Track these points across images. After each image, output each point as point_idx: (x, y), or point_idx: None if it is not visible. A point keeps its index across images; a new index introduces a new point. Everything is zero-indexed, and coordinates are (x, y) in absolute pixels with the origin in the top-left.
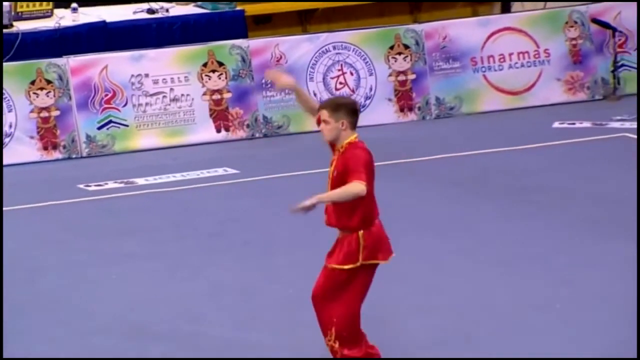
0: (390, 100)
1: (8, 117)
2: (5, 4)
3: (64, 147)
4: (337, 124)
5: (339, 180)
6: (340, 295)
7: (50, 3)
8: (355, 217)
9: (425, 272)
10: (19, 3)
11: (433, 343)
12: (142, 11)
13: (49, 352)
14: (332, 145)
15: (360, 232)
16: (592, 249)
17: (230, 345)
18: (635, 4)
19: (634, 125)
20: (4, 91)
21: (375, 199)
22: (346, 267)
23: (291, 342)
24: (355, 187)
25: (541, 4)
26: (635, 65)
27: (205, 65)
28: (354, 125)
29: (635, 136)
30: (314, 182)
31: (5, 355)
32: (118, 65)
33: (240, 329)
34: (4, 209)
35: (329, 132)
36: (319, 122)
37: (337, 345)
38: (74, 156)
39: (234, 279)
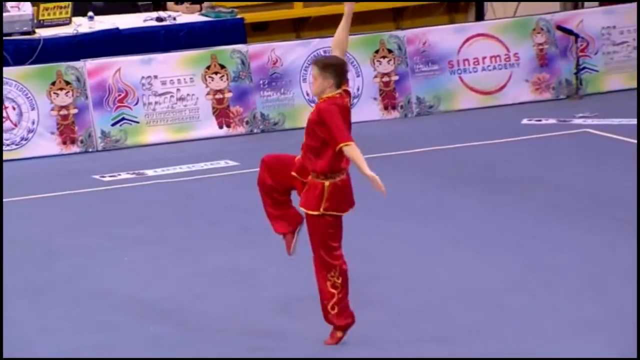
0: (375, 99)
1: (31, 115)
2: (28, 12)
3: (81, 141)
4: (323, 82)
5: (309, 129)
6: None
7: (69, 12)
8: (321, 162)
9: (409, 255)
10: (40, 12)
11: (418, 320)
12: (151, 19)
13: (66, 328)
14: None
15: (327, 183)
16: (558, 233)
17: (230, 321)
18: (595, 11)
19: (595, 121)
20: (27, 91)
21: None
22: (310, 212)
23: (287, 319)
24: (354, 151)
25: (512, 11)
26: (597, 68)
27: (208, 67)
28: (339, 85)
29: (598, 132)
30: None
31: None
32: (130, 68)
33: (240, 307)
34: (28, 197)
35: (316, 87)
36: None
37: None
38: (90, 150)
39: (235, 261)
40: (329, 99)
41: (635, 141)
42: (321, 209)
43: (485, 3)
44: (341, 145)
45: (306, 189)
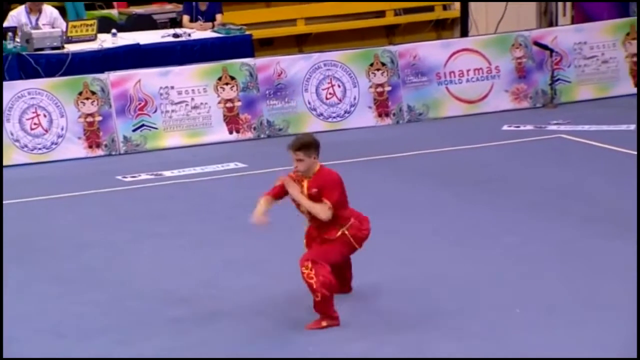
0: (370, 107)
1: (60, 122)
2: (58, 29)
3: (105, 145)
4: (310, 159)
5: (316, 196)
6: None
7: (95, 29)
8: (334, 231)
9: (400, 248)
10: (69, 29)
11: (408, 306)
12: (168, 35)
13: (93, 312)
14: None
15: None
16: (533, 227)
17: (240, 306)
18: (567, 29)
19: (568, 128)
20: (57, 100)
21: (348, 205)
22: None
23: (294, 305)
24: (322, 209)
25: (493, 28)
26: (570, 79)
27: (220, 79)
28: (318, 155)
29: (571, 137)
30: None
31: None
32: (149, 79)
33: (249, 293)
34: (57, 195)
35: (304, 167)
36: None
37: None
38: (113, 153)
39: (245, 253)
40: (320, 170)
41: (604, 145)
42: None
43: (469, 21)
44: (325, 203)
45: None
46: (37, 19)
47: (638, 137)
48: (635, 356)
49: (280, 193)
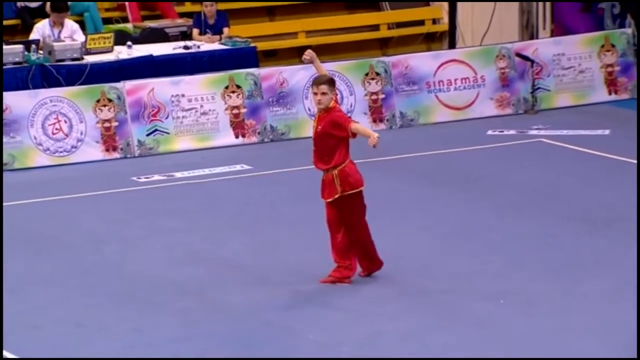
0: (365, 114)
1: (80, 127)
2: (78, 42)
3: (121, 149)
4: (332, 95)
5: (323, 134)
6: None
7: (112, 41)
8: (337, 159)
9: (392, 243)
10: (88, 41)
11: (400, 297)
12: (180, 48)
13: (109, 303)
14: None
15: (335, 172)
16: (514, 225)
17: (247, 297)
18: (547, 41)
19: (548, 132)
20: (77, 107)
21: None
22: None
23: (295, 295)
24: (357, 125)
25: (479, 41)
26: (549, 88)
27: (227, 87)
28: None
29: (550, 141)
30: (309, 174)
31: (58, 325)
32: (162, 87)
33: (257, 286)
34: (77, 195)
35: (327, 100)
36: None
37: None
38: (128, 156)
39: (250, 247)
40: (333, 108)
41: (580, 148)
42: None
43: (457, 34)
44: (349, 126)
45: (326, 183)
46: (60, 32)
47: (638, 141)
48: (635, 356)
49: None
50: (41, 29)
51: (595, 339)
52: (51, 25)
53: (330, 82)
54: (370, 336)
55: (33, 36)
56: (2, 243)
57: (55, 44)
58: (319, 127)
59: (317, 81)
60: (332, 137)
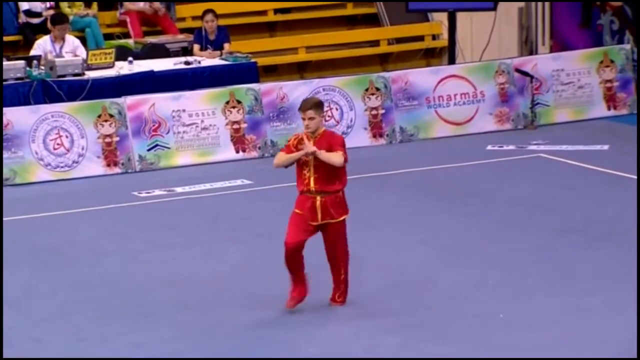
0: (365, 129)
1: (81, 142)
2: (79, 58)
3: (122, 164)
4: (320, 118)
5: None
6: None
7: (113, 57)
8: (339, 184)
9: (391, 257)
10: (89, 57)
11: (400, 310)
12: (180, 63)
13: (110, 316)
14: (306, 135)
15: (341, 193)
16: (513, 238)
17: (246, 311)
18: (546, 57)
19: (547, 147)
20: (78, 122)
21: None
22: (345, 216)
23: (296, 310)
24: (338, 157)
25: (478, 56)
26: (548, 103)
27: (227, 103)
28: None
29: (550, 156)
30: None
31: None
32: (162, 103)
33: (255, 300)
34: (79, 209)
35: (315, 125)
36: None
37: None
38: (129, 171)
39: (249, 262)
40: (326, 131)
41: (579, 163)
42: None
43: (456, 50)
44: (338, 152)
45: (327, 205)
46: (61, 47)
47: (638, 156)
48: (635, 356)
49: (291, 150)
50: (42, 45)
51: (594, 352)
52: (52, 40)
53: (317, 106)
54: (368, 349)
55: (34, 52)
56: (2, 256)
57: (56, 59)
58: (319, 148)
59: (304, 107)
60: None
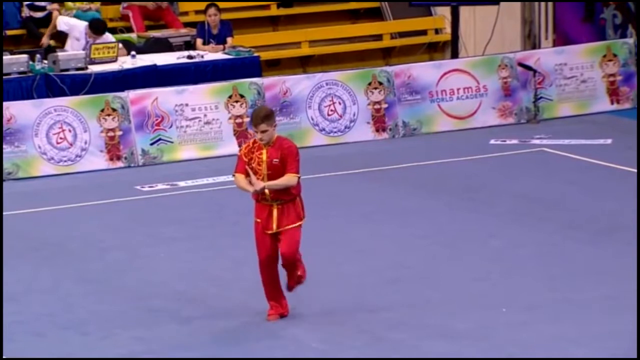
0: (368, 123)
1: (84, 136)
2: (82, 52)
3: (125, 158)
4: (272, 129)
5: (279, 166)
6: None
7: (116, 51)
8: (294, 190)
9: (394, 251)
10: (92, 52)
11: (403, 305)
12: (183, 57)
13: (113, 312)
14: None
15: (298, 199)
16: (516, 232)
17: (247, 304)
18: (549, 51)
19: (550, 142)
20: (81, 117)
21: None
22: (300, 222)
23: (299, 304)
24: (291, 180)
25: (481, 50)
26: (551, 97)
27: (230, 97)
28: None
29: (552, 150)
30: (311, 184)
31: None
32: (165, 97)
33: (258, 293)
34: (81, 203)
35: (269, 136)
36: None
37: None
38: (132, 165)
39: (250, 256)
40: (279, 139)
41: (582, 158)
42: (304, 218)
43: (459, 44)
44: (299, 175)
45: (284, 212)
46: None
47: (638, 151)
48: (635, 356)
49: (246, 170)
50: (78, 28)
51: (595, 347)
52: (86, 34)
53: (268, 117)
54: (370, 344)
55: (64, 27)
56: (2, 250)
57: (59, 53)
58: (270, 159)
59: (255, 121)
60: (282, 170)
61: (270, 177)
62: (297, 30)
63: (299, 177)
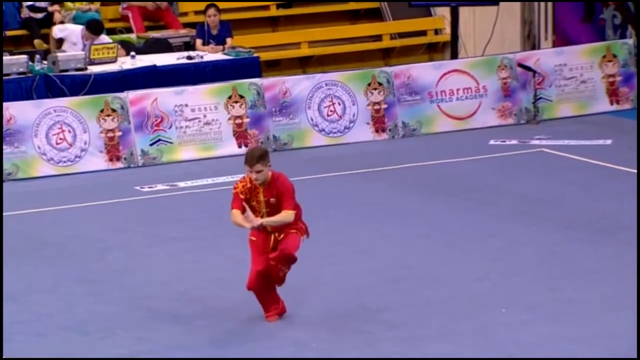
0: (368, 123)
1: (83, 137)
2: (82, 52)
3: (125, 158)
4: (267, 168)
5: (276, 204)
6: None
7: (115, 52)
8: (294, 223)
9: (394, 251)
10: (92, 52)
11: (403, 305)
12: (183, 58)
13: (113, 310)
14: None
15: (300, 223)
16: (516, 232)
17: (246, 305)
18: (549, 52)
19: (549, 142)
20: (81, 117)
21: (300, 209)
22: (301, 234)
23: (299, 305)
24: (288, 217)
25: (480, 51)
26: (551, 98)
27: (230, 97)
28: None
29: (552, 151)
30: (311, 184)
31: (70, 330)
32: (165, 97)
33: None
34: (81, 204)
35: (263, 176)
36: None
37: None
38: (132, 166)
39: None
40: (273, 177)
41: (582, 158)
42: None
43: (459, 44)
44: (286, 210)
45: (282, 234)
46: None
47: (638, 151)
48: (635, 356)
49: (243, 206)
50: (74, 32)
51: (595, 347)
52: (83, 36)
53: (263, 157)
54: (370, 344)
55: (60, 34)
56: (2, 250)
57: (59, 54)
58: (268, 199)
59: (250, 161)
60: (282, 207)
61: (270, 215)
62: (297, 30)
63: (295, 213)
